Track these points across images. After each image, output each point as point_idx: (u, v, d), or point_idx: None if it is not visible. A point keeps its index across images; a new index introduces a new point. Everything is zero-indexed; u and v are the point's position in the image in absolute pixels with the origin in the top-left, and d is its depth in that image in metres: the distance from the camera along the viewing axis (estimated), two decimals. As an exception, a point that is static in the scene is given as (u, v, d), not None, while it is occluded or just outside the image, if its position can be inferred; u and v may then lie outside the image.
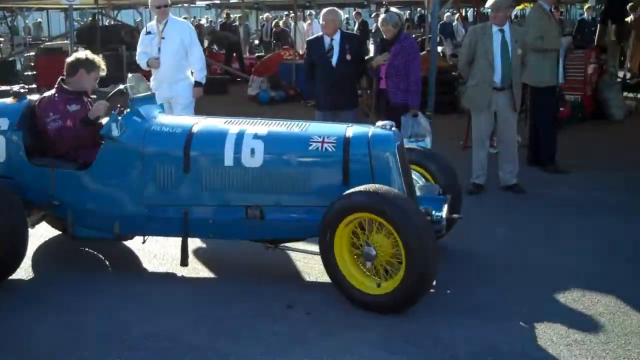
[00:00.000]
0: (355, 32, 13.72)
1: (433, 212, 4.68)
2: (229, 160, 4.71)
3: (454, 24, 21.47)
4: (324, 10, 7.02)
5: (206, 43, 18.35)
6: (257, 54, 20.91)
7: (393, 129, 4.76)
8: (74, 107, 5.12)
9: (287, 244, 4.93)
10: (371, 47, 7.17)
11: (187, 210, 4.78)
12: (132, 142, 4.82)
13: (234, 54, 18.00)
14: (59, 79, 5.20)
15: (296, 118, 5.12)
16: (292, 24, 17.97)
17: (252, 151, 4.68)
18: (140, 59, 7.27)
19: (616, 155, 8.92)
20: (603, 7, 13.21)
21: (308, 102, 7.28)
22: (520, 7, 11.09)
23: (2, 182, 4.74)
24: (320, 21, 7.10)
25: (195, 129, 4.84)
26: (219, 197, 4.78)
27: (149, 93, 5.17)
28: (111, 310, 4.39)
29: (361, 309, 4.28)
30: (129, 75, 5.20)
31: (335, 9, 7.05)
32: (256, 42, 25.57)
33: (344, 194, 4.31)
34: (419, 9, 26.00)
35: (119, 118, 4.82)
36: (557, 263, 5.18)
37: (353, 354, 3.81)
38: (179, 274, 5.01)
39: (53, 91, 5.16)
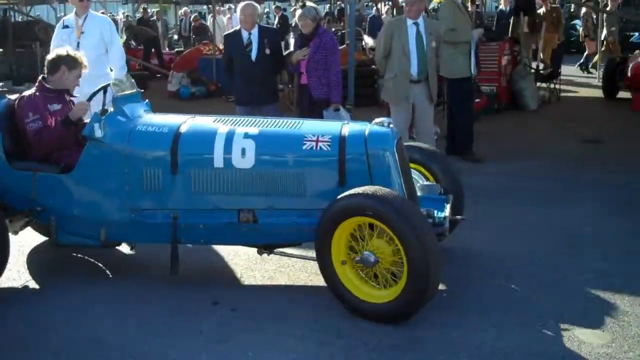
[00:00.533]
0: (273, 26, 13.65)
1: (435, 214, 4.44)
2: (218, 161, 4.46)
3: (383, 17, 21.09)
4: (242, 4, 6.96)
5: (123, 38, 18.00)
6: (176, 49, 20.72)
7: (391, 126, 4.51)
8: (55, 106, 4.87)
9: (282, 250, 4.70)
10: (291, 42, 7.14)
11: (176, 214, 4.53)
12: (116, 143, 4.57)
13: (153, 50, 17.67)
14: (39, 77, 4.94)
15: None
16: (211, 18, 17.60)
17: (243, 151, 4.44)
18: None
19: (531, 143, 9.14)
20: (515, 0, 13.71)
21: (229, 97, 7.21)
22: (437, 0, 11.15)
23: None
24: (238, 15, 7.04)
25: (182, 129, 4.59)
26: (209, 201, 4.53)
27: (134, 91, 4.91)
28: (39, 315, 4.26)
29: (362, 318, 4.05)
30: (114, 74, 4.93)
31: (253, 3, 6.99)
32: (175, 37, 25.24)
33: (340, 196, 4.07)
34: (338, 2, 25.68)
35: (102, 118, 4.56)
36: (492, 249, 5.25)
37: (279, 349, 3.76)
38: (105, 277, 4.89)
39: (33, 90, 4.90)
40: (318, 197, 4.40)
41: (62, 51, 5.01)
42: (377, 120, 4.56)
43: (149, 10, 24.01)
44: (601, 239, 5.44)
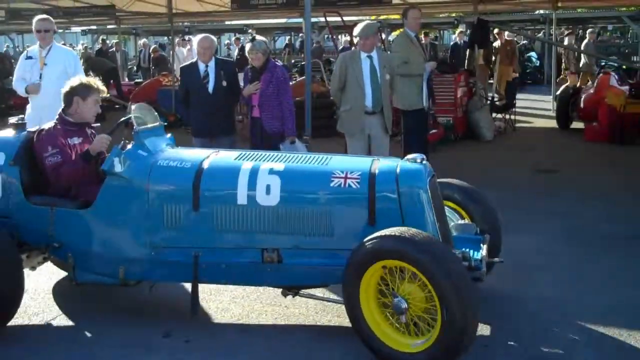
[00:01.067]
0: (230, 58, 13.69)
1: (471, 256, 4.18)
2: (242, 198, 4.26)
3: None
4: (199, 36, 7.04)
5: (82, 70, 17.79)
6: (135, 80, 20.53)
7: (424, 162, 4.28)
8: (75, 140, 4.72)
9: (308, 291, 4.46)
10: (240, 76, 7.21)
11: (197, 253, 4.33)
12: (137, 178, 4.39)
13: (112, 81, 17.43)
14: (59, 110, 4.79)
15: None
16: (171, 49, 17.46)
17: (268, 188, 4.23)
18: (18, 85, 7.00)
19: (487, 173, 9.16)
20: (469, 33, 13.99)
21: (188, 128, 7.20)
22: (397, 32, 11.25)
23: None
24: (195, 48, 7.11)
25: (205, 164, 4.41)
26: (231, 239, 4.32)
27: (157, 124, 4.74)
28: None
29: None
30: (133, 105, 4.77)
31: (210, 36, 7.08)
32: (134, 68, 25.08)
33: (370, 237, 3.82)
34: (300, 34, 25.60)
35: (122, 152, 4.39)
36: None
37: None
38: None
39: (53, 123, 4.75)
40: (346, 237, 4.17)
41: (74, 81, 4.84)
42: (410, 156, 4.33)
43: (107, 42, 23.93)
44: (552, 267, 5.46)
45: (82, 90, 4.75)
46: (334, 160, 4.42)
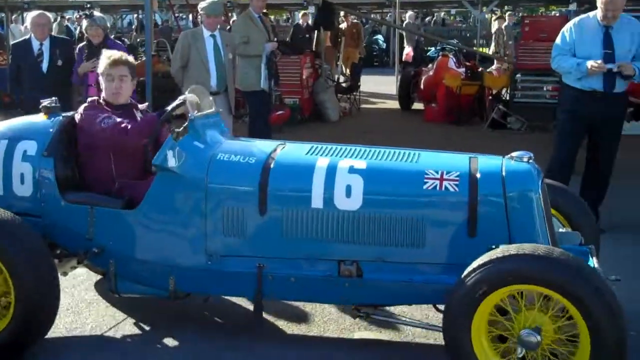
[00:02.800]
0: (68, 37, 13.11)
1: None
2: (317, 201, 3.63)
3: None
4: (33, 13, 6.83)
5: None
6: None
7: (531, 161, 3.64)
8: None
9: (386, 309, 3.84)
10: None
11: (262, 263, 3.70)
12: (194, 175, 3.76)
13: None
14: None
15: None
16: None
17: (348, 189, 3.61)
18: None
19: None
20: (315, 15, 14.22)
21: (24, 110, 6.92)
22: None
23: (25, 225, 3.70)
24: (29, 25, 6.90)
25: (273, 159, 3.77)
26: (303, 248, 3.70)
27: (212, 110, 4.10)
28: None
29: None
30: (190, 87, 4.13)
31: (45, 12, 6.90)
32: None
33: (492, 257, 3.15)
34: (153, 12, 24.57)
35: (177, 144, 3.75)
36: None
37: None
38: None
39: (94, 98, 4.15)
40: (440, 249, 3.57)
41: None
42: (514, 154, 3.70)
43: None
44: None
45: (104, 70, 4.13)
46: (424, 156, 3.78)
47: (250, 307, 3.99)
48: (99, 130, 3.94)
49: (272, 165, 3.73)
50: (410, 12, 20.85)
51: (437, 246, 3.57)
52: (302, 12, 19.67)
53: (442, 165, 3.65)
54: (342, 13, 15.54)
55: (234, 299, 4.40)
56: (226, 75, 7.04)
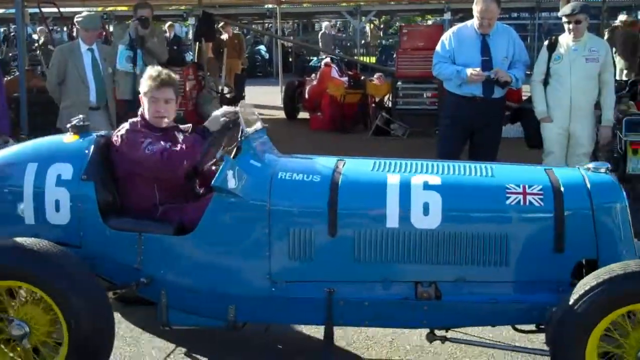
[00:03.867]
0: None
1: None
2: (392, 220, 3.41)
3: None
4: None
5: None
6: None
7: (609, 172, 3.51)
8: (163, 144, 3.71)
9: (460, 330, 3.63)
10: None
11: (332, 289, 3.45)
12: (255, 196, 3.48)
13: None
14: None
15: None
16: None
17: (426, 207, 3.39)
18: None
19: None
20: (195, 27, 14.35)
21: None
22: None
23: (74, 257, 3.35)
24: None
25: (339, 177, 3.52)
26: (377, 271, 3.47)
27: (261, 126, 3.81)
28: None
29: None
30: (240, 102, 3.84)
31: None
32: None
33: (610, 275, 3.00)
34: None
35: (236, 164, 3.46)
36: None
37: None
38: None
39: (135, 118, 3.79)
40: (524, 266, 3.41)
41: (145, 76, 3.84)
42: (591, 165, 3.57)
43: None
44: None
45: (147, 89, 3.77)
46: (499, 170, 3.60)
47: (313, 334, 3.74)
48: (143, 156, 3.59)
49: (339, 183, 3.48)
50: (326, 22, 20.98)
51: (521, 263, 3.39)
52: (168, 23, 19.24)
53: (521, 179, 3.48)
54: (222, 24, 15.44)
55: (296, 326, 4.16)
56: (106, 90, 6.83)
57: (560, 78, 5.66)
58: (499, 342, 3.72)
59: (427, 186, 3.43)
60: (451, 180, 3.48)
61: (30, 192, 3.61)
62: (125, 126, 3.74)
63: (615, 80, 6.93)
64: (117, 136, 3.71)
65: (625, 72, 12.30)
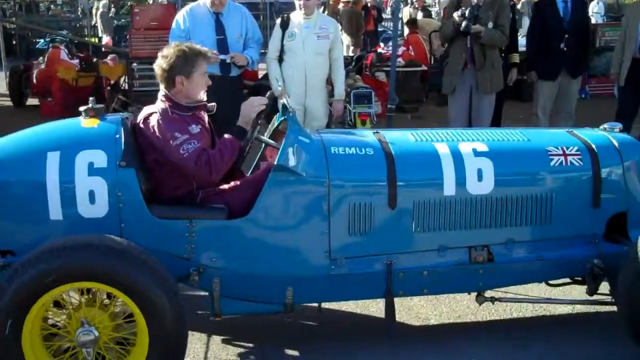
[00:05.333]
0: None
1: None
2: (449, 188, 3.48)
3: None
4: None
5: None
6: None
7: (622, 130, 3.84)
8: (194, 128, 3.44)
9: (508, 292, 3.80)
10: None
11: (391, 260, 3.46)
12: (314, 173, 3.38)
13: None
14: (163, 91, 3.51)
15: None
16: None
17: (480, 173, 3.50)
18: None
19: None
20: None
21: None
22: None
23: (147, 252, 3.07)
24: None
25: (389, 149, 3.52)
26: (434, 239, 3.53)
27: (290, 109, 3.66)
28: None
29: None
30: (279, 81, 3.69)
31: None
32: None
33: None
34: None
35: (295, 142, 3.34)
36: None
37: None
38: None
39: (162, 105, 3.47)
40: (566, 223, 3.63)
41: (170, 51, 3.51)
42: (606, 125, 3.87)
43: None
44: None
45: (184, 65, 3.48)
46: (532, 134, 3.79)
47: (365, 311, 3.72)
48: (177, 157, 3.32)
49: (394, 156, 3.48)
50: (104, 1, 20.17)
51: (563, 220, 3.61)
52: None
53: (557, 141, 3.70)
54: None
55: (348, 304, 4.10)
56: None
57: (294, 55, 5.68)
58: (544, 297, 3.92)
59: (477, 153, 3.54)
60: (498, 146, 3.61)
61: (56, 184, 3.23)
62: (153, 113, 3.43)
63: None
64: (146, 123, 3.41)
65: (351, 48, 13.14)
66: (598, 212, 3.62)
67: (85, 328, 2.97)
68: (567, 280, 3.84)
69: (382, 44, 11.33)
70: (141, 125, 3.42)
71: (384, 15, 18.98)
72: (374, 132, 3.75)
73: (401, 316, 3.95)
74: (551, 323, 3.93)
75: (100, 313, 3.05)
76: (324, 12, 11.49)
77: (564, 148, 3.63)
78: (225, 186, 3.53)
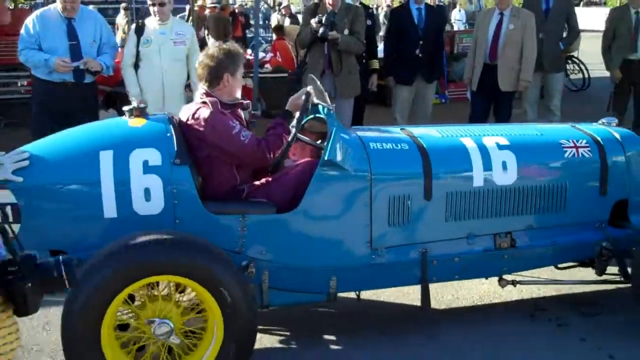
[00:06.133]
0: None
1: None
2: (478, 180, 3.75)
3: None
4: None
5: None
6: None
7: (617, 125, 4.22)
8: (237, 123, 3.59)
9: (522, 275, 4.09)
10: None
11: (425, 249, 3.69)
12: (358, 167, 3.56)
13: None
14: (203, 89, 3.61)
15: None
16: None
17: (504, 165, 3.78)
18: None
19: None
20: None
21: None
22: None
23: (214, 245, 3.17)
24: None
25: (422, 144, 3.75)
26: (463, 228, 3.78)
27: (329, 102, 3.83)
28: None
29: None
30: (309, 77, 3.84)
31: None
32: None
33: None
34: None
35: (340, 137, 3.52)
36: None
37: None
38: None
39: (210, 100, 3.56)
40: (578, 209, 3.96)
41: (215, 52, 3.65)
42: (604, 120, 4.24)
43: None
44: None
45: (231, 63, 3.63)
46: (543, 129, 4.11)
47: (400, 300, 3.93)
48: (237, 144, 3.46)
49: (427, 150, 3.71)
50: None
51: (575, 207, 3.94)
52: None
53: (567, 135, 4.03)
54: None
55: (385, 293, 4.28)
56: None
57: (150, 61, 5.63)
58: (566, 279, 4.23)
59: (500, 146, 3.81)
60: (517, 139, 3.90)
61: (111, 183, 3.28)
62: (200, 109, 3.52)
63: None
64: (196, 120, 3.50)
65: None
66: (604, 199, 3.96)
67: (160, 320, 3.04)
68: (573, 264, 4.17)
69: (249, 50, 11.34)
70: (190, 122, 3.51)
71: (252, 22, 18.64)
72: (400, 129, 3.96)
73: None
74: (560, 301, 4.25)
75: (171, 306, 3.13)
76: (189, 17, 11.46)
77: (575, 141, 3.96)
78: (262, 181, 3.66)
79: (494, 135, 3.91)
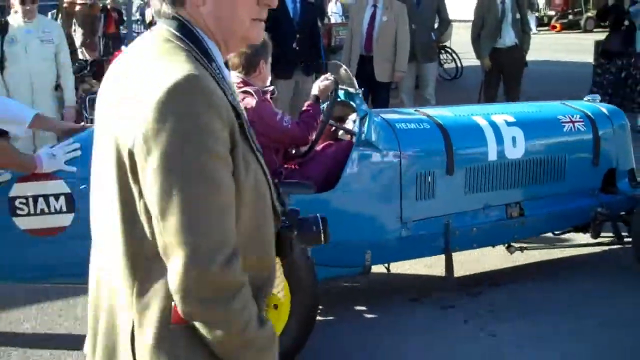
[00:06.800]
0: None
1: None
2: (492, 155, 4.05)
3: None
4: None
5: None
6: None
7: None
8: None
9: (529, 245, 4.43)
10: None
11: (448, 220, 3.97)
12: (389, 146, 3.79)
13: None
14: (240, 77, 3.72)
15: None
16: None
17: (514, 140, 4.11)
18: None
19: None
20: None
21: None
22: None
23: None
24: None
25: (442, 122, 4.02)
26: (480, 199, 4.08)
27: (357, 86, 4.02)
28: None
29: None
30: (334, 63, 4.02)
31: None
32: None
33: None
34: None
35: (374, 117, 3.74)
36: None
37: None
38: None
39: (251, 89, 3.68)
40: (575, 179, 4.34)
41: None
42: (589, 97, 4.63)
43: None
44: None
45: (265, 50, 3.77)
46: (540, 106, 4.48)
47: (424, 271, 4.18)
48: (281, 129, 3.61)
49: (447, 128, 3.97)
50: None
51: (574, 177, 4.32)
52: None
53: (562, 111, 4.40)
54: None
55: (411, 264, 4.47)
56: None
57: (17, 61, 5.40)
58: (567, 244, 4.59)
59: (508, 123, 4.13)
60: (522, 117, 4.23)
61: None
62: (246, 98, 3.64)
63: (78, 60, 7.49)
64: (249, 105, 3.62)
65: (86, 51, 12.62)
66: (597, 169, 4.35)
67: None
68: (569, 229, 4.56)
69: (124, 47, 11.06)
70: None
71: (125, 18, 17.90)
72: (414, 110, 4.21)
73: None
74: (558, 264, 4.62)
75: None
76: (57, 14, 11.18)
77: (570, 116, 4.33)
78: (295, 163, 3.83)
79: (502, 113, 4.22)
